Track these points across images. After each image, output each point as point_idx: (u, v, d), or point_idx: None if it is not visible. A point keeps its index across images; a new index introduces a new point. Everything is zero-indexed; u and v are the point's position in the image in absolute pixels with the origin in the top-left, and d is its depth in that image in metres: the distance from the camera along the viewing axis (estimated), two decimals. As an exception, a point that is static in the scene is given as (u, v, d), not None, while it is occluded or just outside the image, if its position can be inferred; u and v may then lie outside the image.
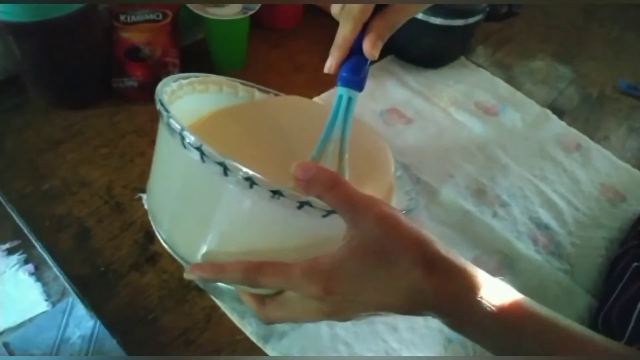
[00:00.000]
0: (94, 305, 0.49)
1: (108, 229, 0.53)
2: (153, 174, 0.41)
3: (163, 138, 0.38)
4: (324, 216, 0.32)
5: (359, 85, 0.39)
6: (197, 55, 0.71)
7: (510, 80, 0.77)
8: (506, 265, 0.56)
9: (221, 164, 0.30)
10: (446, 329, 0.50)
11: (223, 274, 0.34)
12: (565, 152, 0.69)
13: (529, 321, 0.31)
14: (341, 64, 0.39)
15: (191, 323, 0.48)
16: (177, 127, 0.33)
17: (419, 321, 0.51)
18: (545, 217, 0.61)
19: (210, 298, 0.49)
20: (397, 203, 0.43)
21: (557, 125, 0.72)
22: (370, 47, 0.37)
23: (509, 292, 0.32)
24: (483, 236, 0.58)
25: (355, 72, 0.38)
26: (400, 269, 0.30)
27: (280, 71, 0.72)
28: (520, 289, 0.53)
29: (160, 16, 0.66)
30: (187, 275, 0.35)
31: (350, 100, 0.39)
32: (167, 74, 0.65)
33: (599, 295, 0.54)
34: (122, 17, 0.65)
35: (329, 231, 0.33)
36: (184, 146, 0.32)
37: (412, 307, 0.31)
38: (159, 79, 0.65)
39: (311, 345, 0.48)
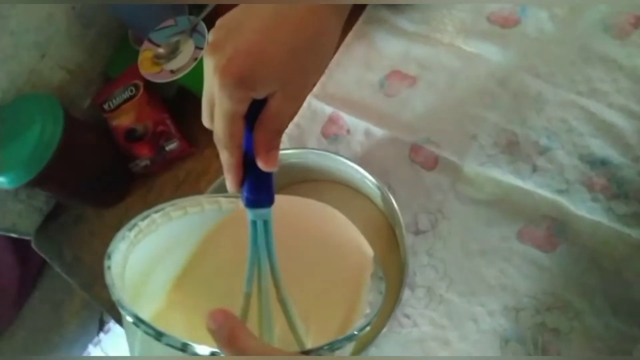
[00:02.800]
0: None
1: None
2: None
3: None
4: None
5: (268, 202, 0.35)
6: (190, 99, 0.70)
7: (530, -42, 0.59)
8: (557, 231, 0.49)
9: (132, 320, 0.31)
10: (500, 329, 0.48)
11: None
12: (619, 39, 0.52)
13: None
14: (242, 183, 0.35)
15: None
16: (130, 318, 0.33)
17: (469, 327, 0.49)
18: (601, 148, 0.49)
19: None
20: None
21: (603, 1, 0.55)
22: (264, 163, 0.33)
23: None
24: (523, 204, 0.50)
25: (259, 189, 0.35)
26: None
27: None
28: (581, 257, 0.47)
29: (134, 90, 0.66)
30: None
31: (265, 222, 0.36)
32: (169, 141, 0.67)
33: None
34: (105, 106, 0.67)
35: None
36: None
37: None
38: (164, 149, 0.67)
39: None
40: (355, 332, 0.33)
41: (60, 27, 0.64)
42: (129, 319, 0.32)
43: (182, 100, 0.71)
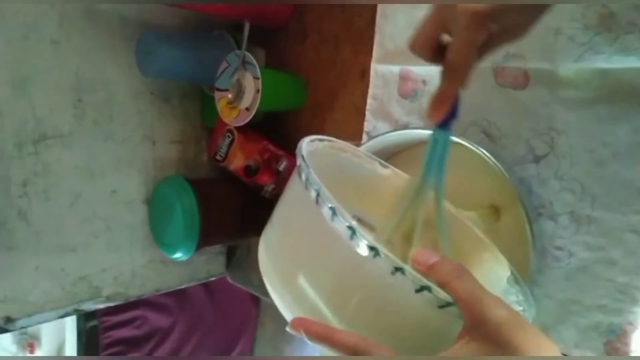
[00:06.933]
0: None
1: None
2: (276, 220, 0.43)
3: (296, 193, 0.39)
4: (440, 307, 0.30)
5: (454, 119, 0.38)
6: (276, 115, 0.73)
7: None
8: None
9: (350, 227, 0.31)
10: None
11: (331, 339, 0.31)
12: None
13: None
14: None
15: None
16: (316, 184, 0.34)
17: (632, 240, 0.44)
18: None
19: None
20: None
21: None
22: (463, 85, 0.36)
23: None
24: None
25: (452, 113, 0.38)
26: None
27: (326, 66, 0.66)
28: None
29: (230, 135, 0.71)
30: (289, 329, 0.33)
31: (445, 143, 0.39)
32: (279, 161, 0.71)
33: None
34: (218, 157, 0.74)
35: (441, 325, 0.31)
36: (316, 202, 0.33)
37: None
38: (279, 170, 0.73)
39: (539, 318, 0.49)
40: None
41: (152, 114, 0.73)
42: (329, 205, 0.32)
43: (270, 120, 0.74)
